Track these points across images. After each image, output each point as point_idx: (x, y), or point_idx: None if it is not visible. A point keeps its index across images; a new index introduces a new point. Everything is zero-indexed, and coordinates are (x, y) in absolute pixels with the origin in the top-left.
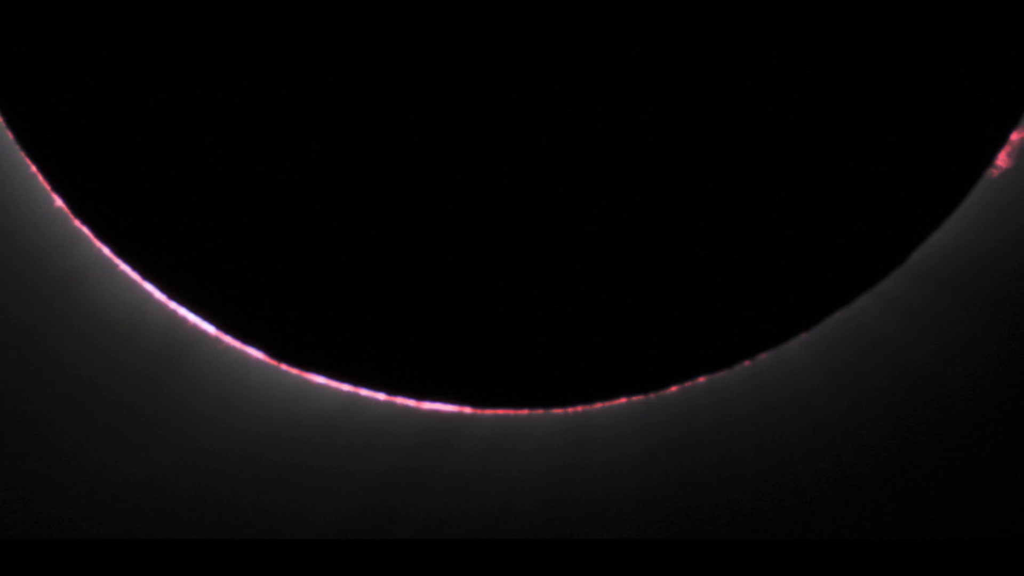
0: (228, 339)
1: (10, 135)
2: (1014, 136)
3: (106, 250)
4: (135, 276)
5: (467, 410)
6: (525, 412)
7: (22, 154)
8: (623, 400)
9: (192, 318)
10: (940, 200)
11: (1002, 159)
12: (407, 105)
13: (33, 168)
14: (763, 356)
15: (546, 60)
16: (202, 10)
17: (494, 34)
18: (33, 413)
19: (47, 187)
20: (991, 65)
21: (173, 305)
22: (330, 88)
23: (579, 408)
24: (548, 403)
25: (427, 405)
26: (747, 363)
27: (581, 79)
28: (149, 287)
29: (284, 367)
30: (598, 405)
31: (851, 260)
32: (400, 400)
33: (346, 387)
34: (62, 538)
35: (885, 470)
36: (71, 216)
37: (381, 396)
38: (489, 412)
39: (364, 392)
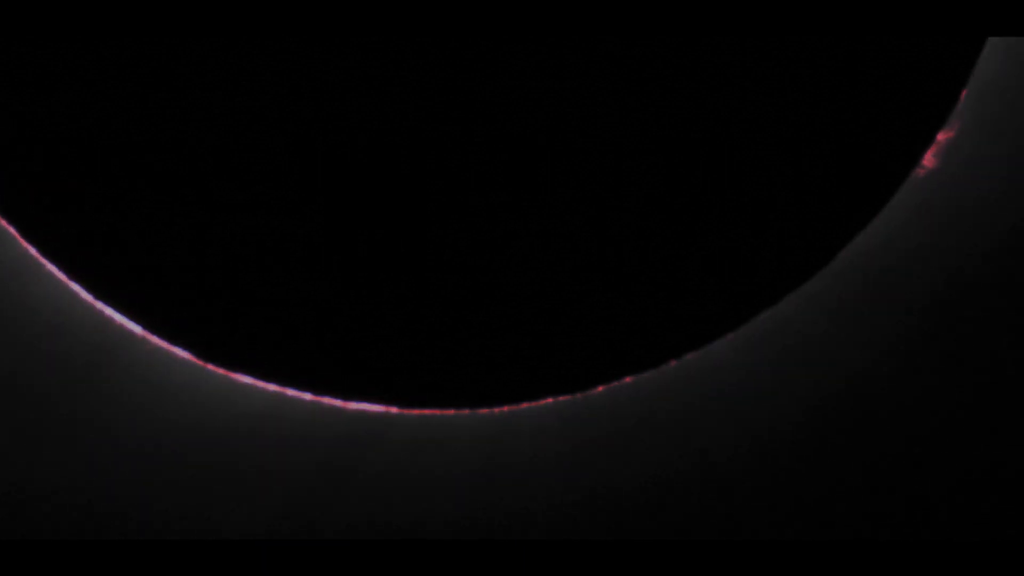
0: (155, 339)
1: None
2: (940, 136)
3: (32, 250)
4: (61, 276)
5: (394, 410)
6: (451, 412)
7: None
8: (549, 400)
9: (119, 318)
10: (866, 200)
11: (928, 159)
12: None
13: None
14: (689, 356)
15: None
16: (124, 6)
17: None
18: None
19: None
20: (917, 65)
21: (100, 305)
22: (288, 87)
23: (504, 408)
24: (474, 403)
25: (353, 405)
26: (673, 363)
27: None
28: (75, 287)
29: (210, 367)
30: (524, 405)
31: (777, 260)
32: (326, 400)
33: (272, 387)
34: None
35: (812, 471)
36: None
37: (307, 396)
38: (415, 412)
39: (290, 392)
